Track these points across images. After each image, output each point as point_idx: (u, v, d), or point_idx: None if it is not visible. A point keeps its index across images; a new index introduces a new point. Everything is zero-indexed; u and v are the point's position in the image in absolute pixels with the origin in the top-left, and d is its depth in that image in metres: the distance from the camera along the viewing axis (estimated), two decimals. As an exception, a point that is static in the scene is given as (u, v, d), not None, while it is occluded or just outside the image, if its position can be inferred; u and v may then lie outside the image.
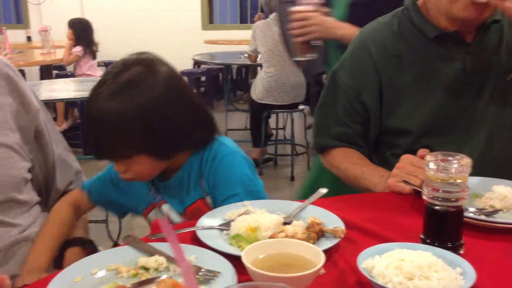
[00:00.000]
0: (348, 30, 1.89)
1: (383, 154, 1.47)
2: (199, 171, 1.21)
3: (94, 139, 1.14)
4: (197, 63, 7.30)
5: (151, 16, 7.92)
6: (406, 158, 1.22)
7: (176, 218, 1.23)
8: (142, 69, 1.12)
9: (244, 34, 6.78)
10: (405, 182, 1.16)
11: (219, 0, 8.62)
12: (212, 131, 1.23)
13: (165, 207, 1.25)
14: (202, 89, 7.32)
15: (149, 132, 1.10)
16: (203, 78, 7.28)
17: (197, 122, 1.18)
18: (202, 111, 1.22)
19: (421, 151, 1.21)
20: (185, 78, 6.15)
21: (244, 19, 8.89)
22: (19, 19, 8.74)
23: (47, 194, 1.29)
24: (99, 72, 5.61)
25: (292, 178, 4.50)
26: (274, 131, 5.26)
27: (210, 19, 8.42)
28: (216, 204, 1.17)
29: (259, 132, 4.66)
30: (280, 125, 5.44)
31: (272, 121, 5.23)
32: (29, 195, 1.20)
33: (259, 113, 4.63)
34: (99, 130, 1.11)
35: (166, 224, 0.46)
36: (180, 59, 8.05)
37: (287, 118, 5.41)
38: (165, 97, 1.11)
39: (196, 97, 1.21)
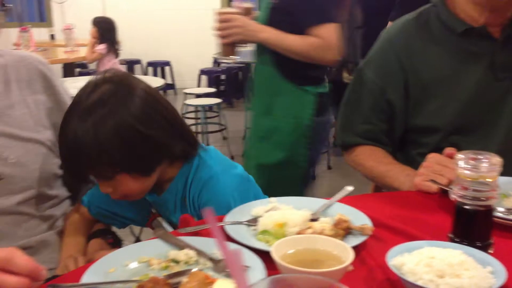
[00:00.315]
0: (269, 34, 1.93)
1: (409, 153, 1.47)
2: (183, 193, 1.19)
3: (71, 163, 1.10)
4: (217, 62, 7.34)
5: (171, 15, 7.98)
6: (432, 157, 1.22)
7: (169, 229, 1.20)
8: (112, 87, 1.08)
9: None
10: (432, 181, 1.16)
11: (239, -1, 8.63)
12: (192, 144, 1.19)
13: (159, 219, 1.24)
14: (222, 87, 7.35)
15: (125, 150, 1.06)
16: (222, 77, 7.32)
17: (175, 136, 1.14)
18: (179, 124, 1.17)
19: (447, 150, 1.20)
20: (205, 77, 6.10)
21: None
22: (43, 17, 8.88)
23: (77, 190, 1.32)
24: (122, 70, 5.68)
25: (313, 177, 4.48)
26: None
27: (230, 17, 8.44)
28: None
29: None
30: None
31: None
32: (59, 190, 1.23)
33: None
34: (75, 153, 1.06)
35: (209, 213, 0.47)
36: (200, 58, 8.15)
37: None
38: (139, 113, 1.07)
39: (173, 111, 1.16)
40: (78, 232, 1.21)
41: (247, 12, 2.03)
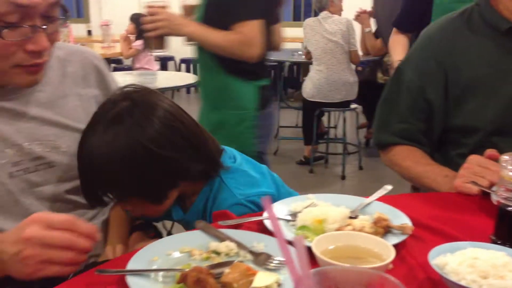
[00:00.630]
0: (194, 28, 2.01)
1: (447, 154, 1.45)
2: (203, 215, 1.15)
3: (86, 182, 1.06)
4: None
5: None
6: (473, 159, 1.20)
7: None
8: (130, 105, 1.03)
9: (297, 31, 6.76)
10: (473, 183, 1.14)
11: (273, -2, 8.64)
12: (213, 165, 1.12)
13: None
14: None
15: (135, 174, 1.00)
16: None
17: (194, 157, 1.07)
18: (200, 145, 1.09)
19: (488, 151, 1.19)
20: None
21: (297, 16, 8.88)
22: (80, 13, 9.09)
23: None
24: (156, 66, 5.77)
25: (343, 177, 4.47)
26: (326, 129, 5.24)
27: (263, 16, 8.46)
28: None
29: (310, 130, 4.66)
30: (332, 124, 5.42)
31: (324, 119, 5.22)
32: None
33: (311, 111, 4.63)
34: (88, 172, 1.04)
35: (268, 201, 0.49)
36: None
37: (339, 117, 5.38)
38: (155, 135, 1.01)
39: (195, 130, 1.10)
40: (121, 224, 1.23)
41: (189, 10, 2.11)
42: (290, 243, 0.46)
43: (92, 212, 1.19)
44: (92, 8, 8.60)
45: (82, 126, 1.12)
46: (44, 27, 0.96)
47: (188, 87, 5.37)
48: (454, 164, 1.28)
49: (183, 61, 7.91)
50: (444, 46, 1.42)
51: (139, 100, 1.05)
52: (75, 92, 1.19)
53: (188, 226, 1.19)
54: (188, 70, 7.75)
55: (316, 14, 4.75)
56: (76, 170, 1.07)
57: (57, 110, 1.14)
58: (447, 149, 1.46)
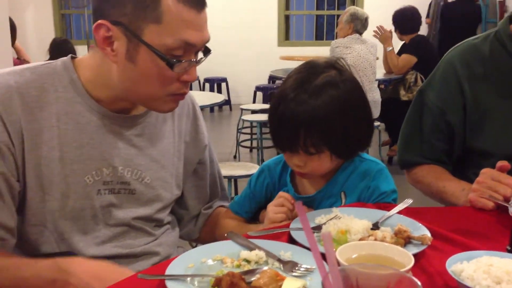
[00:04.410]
0: None
1: (465, 173, 1.49)
2: (343, 185, 1.27)
3: (282, 135, 1.20)
4: (272, 79, 7.47)
5: (230, 33, 8.20)
6: (486, 173, 1.23)
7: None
8: (336, 72, 1.19)
9: (319, 50, 6.87)
10: (490, 196, 1.18)
11: (295, 18, 8.78)
12: (367, 145, 1.28)
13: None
14: (277, 104, 7.44)
15: (340, 132, 1.16)
16: (277, 93, 7.40)
17: (368, 131, 1.24)
18: (371, 123, 1.26)
19: (499, 164, 1.22)
20: (260, 93, 6.17)
21: (320, 35, 8.99)
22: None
23: (179, 219, 1.41)
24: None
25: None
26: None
27: (286, 35, 8.60)
28: None
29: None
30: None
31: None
32: (166, 215, 1.31)
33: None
34: (291, 128, 1.16)
35: (300, 205, 0.55)
36: (256, 74, 8.30)
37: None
38: (355, 100, 1.19)
39: (369, 108, 1.26)
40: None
41: None
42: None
43: (151, 238, 1.25)
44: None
45: (167, 163, 1.22)
46: (197, 61, 1.09)
47: (212, 107, 5.47)
48: (471, 183, 1.32)
49: (206, 80, 8.07)
50: (465, 71, 1.46)
51: (342, 70, 1.21)
52: (171, 129, 1.28)
53: (313, 204, 1.28)
54: (211, 89, 7.90)
55: (337, 35, 4.82)
56: (148, 200, 1.19)
57: (154, 143, 1.23)
58: (465, 168, 1.50)
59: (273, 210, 1.22)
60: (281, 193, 1.25)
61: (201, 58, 1.13)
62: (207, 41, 1.09)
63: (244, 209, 1.38)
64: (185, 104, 1.33)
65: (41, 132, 1.09)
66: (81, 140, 1.12)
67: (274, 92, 1.23)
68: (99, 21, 1.03)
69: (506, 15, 1.47)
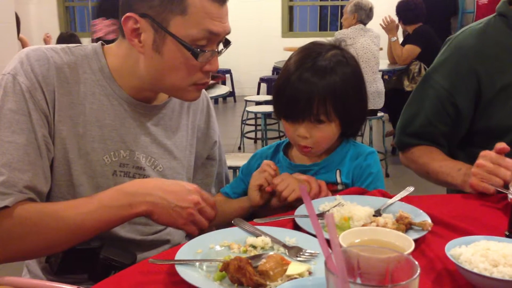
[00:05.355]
0: None
1: (473, 152, 1.50)
2: (338, 164, 1.34)
3: (295, 103, 1.25)
4: (276, 70, 7.48)
5: (234, 25, 8.15)
6: (485, 156, 1.24)
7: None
8: (340, 52, 1.29)
9: (323, 41, 6.83)
10: (491, 184, 1.21)
11: (299, 8, 8.77)
12: (364, 118, 1.39)
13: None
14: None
15: (350, 102, 1.26)
16: (281, 85, 7.41)
17: (365, 110, 1.35)
18: (366, 100, 1.35)
19: (498, 146, 1.22)
20: (265, 85, 6.18)
21: (324, 26, 8.98)
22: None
23: None
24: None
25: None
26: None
27: (290, 26, 8.59)
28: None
29: (337, 137, 4.71)
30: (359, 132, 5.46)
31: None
32: None
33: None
34: (307, 97, 1.22)
35: (304, 190, 0.58)
36: (260, 65, 8.30)
37: (366, 125, 5.42)
38: (358, 76, 1.30)
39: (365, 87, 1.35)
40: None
41: None
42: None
43: (159, 227, 1.28)
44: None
45: (180, 155, 1.28)
46: (219, 51, 1.14)
47: (216, 98, 5.49)
48: None
49: (211, 72, 8.06)
50: (476, 53, 1.50)
51: (343, 50, 1.32)
52: (185, 123, 1.33)
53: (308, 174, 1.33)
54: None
55: (341, 26, 4.81)
56: None
57: (168, 135, 1.28)
58: (473, 148, 1.51)
59: (254, 176, 1.30)
60: (265, 161, 1.33)
61: (222, 49, 1.18)
62: (229, 32, 1.14)
63: (233, 190, 1.43)
64: (200, 100, 1.37)
65: (70, 106, 1.14)
66: (104, 120, 1.18)
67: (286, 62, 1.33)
68: (128, 14, 1.09)
69: None
